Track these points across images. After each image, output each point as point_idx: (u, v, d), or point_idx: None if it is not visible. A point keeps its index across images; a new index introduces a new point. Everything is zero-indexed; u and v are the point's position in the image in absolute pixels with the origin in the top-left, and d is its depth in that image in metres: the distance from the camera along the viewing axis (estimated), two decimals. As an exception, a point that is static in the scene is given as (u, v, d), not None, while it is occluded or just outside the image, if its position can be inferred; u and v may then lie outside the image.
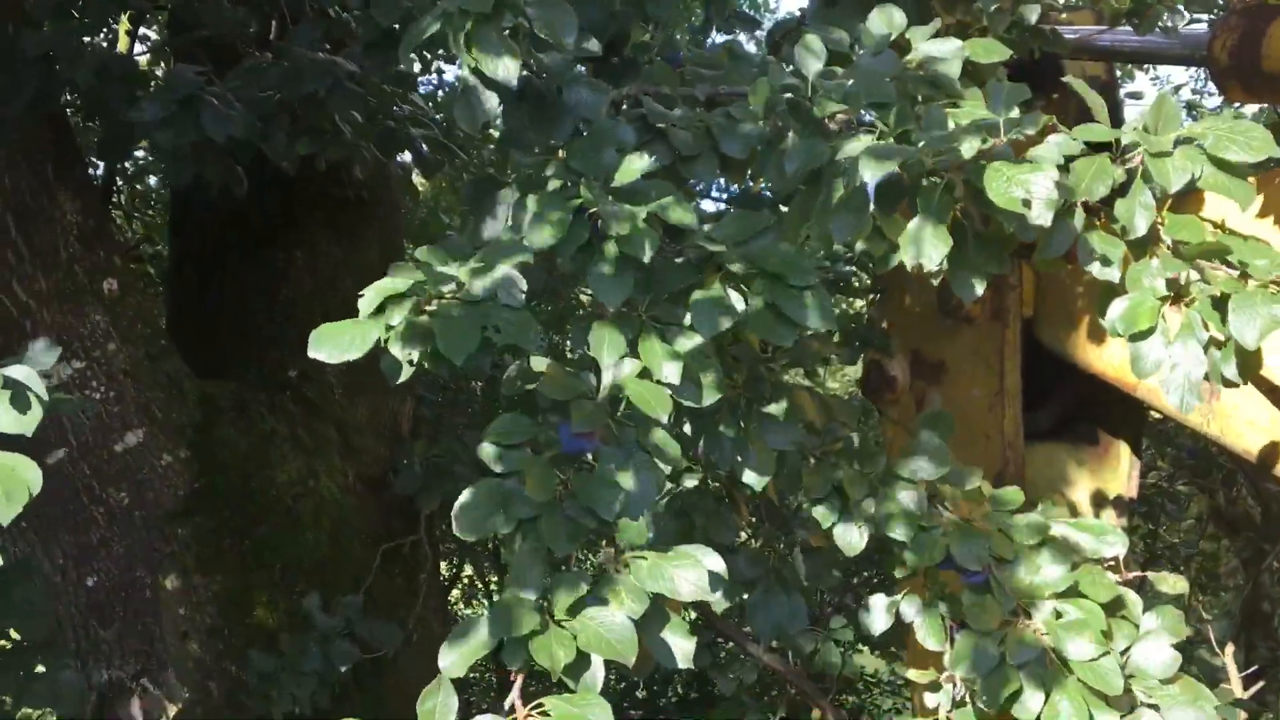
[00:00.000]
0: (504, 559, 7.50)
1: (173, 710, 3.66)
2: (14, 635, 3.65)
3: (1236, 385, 1.88)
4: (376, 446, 4.40)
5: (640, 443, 1.86)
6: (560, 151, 2.14)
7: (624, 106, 2.37)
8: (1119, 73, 4.50)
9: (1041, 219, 1.76)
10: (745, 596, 2.59)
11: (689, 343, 1.90)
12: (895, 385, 3.36)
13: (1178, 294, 1.90)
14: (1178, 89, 8.42)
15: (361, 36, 3.30)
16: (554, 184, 2.01)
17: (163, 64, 5.76)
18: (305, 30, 3.55)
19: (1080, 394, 3.33)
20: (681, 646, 1.78)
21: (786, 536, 2.86)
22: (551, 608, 1.69)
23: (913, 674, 2.65)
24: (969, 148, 1.79)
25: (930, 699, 2.49)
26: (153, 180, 7.06)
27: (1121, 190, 1.92)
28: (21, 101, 3.17)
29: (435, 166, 4.03)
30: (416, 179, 6.57)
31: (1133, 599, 2.21)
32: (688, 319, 1.92)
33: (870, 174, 1.82)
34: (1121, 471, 3.32)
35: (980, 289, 1.97)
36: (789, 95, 2.16)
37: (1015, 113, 1.92)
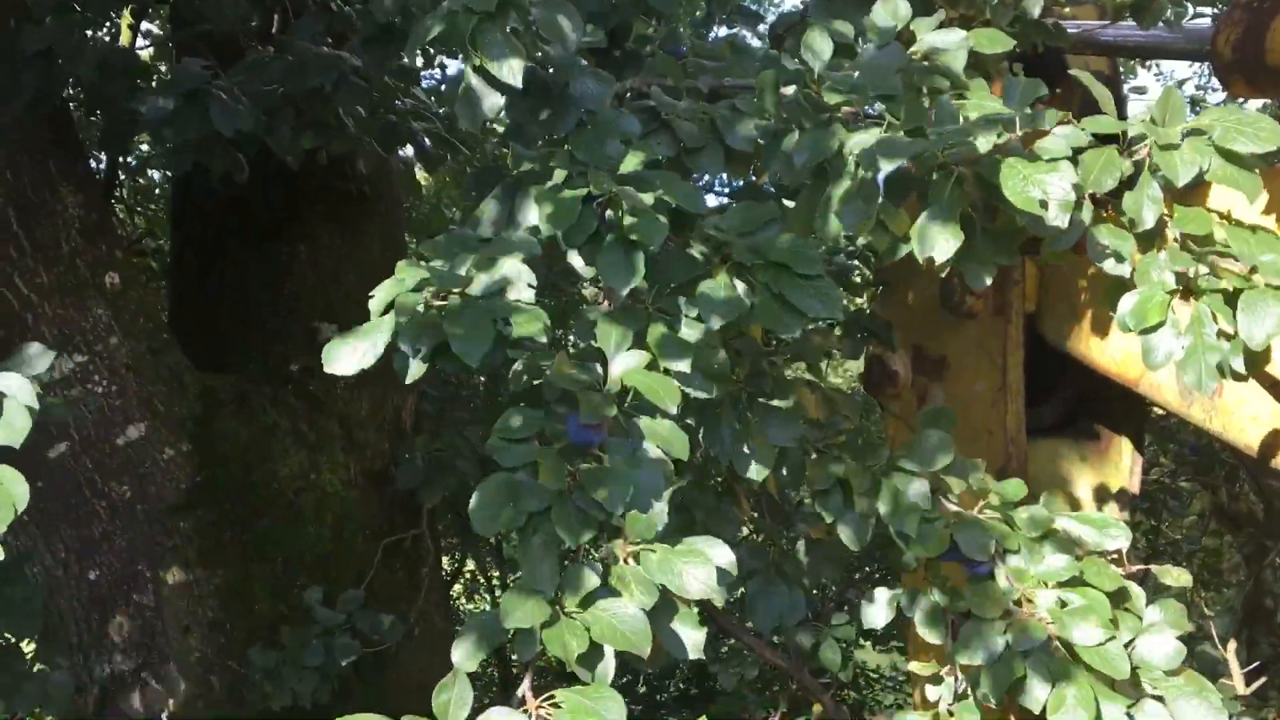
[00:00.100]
0: (507, 553, 7.50)
1: (174, 704, 3.67)
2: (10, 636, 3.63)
3: (1245, 379, 1.88)
4: (378, 440, 4.40)
5: (647, 434, 1.85)
6: (565, 144, 2.14)
7: (628, 97, 2.37)
8: (1122, 68, 4.49)
9: (1058, 220, 1.76)
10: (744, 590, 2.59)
11: (695, 333, 1.90)
12: (897, 380, 3.35)
13: (1186, 287, 1.90)
14: (1181, 84, 8.40)
15: (360, 31, 3.29)
16: (560, 174, 2.01)
17: (165, 59, 5.76)
18: (307, 24, 3.54)
19: (1083, 389, 3.32)
20: (692, 637, 1.78)
21: (788, 531, 2.86)
22: (562, 599, 1.68)
23: (914, 666, 2.65)
24: (985, 142, 1.78)
25: (932, 692, 2.49)
26: (155, 174, 7.06)
27: (1129, 183, 1.92)
28: (22, 101, 3.17)
29: (437, 161, 4.03)
30: (419, 173, 6.56)
31: (1136, 591, 2.21)
32: (694, 311, 1.91)
33: (885, 166, 1.82)
34: (1124, 467, 3.31)
35: (989, 279, 1.97)
36: (795, 87, 2.16)
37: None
